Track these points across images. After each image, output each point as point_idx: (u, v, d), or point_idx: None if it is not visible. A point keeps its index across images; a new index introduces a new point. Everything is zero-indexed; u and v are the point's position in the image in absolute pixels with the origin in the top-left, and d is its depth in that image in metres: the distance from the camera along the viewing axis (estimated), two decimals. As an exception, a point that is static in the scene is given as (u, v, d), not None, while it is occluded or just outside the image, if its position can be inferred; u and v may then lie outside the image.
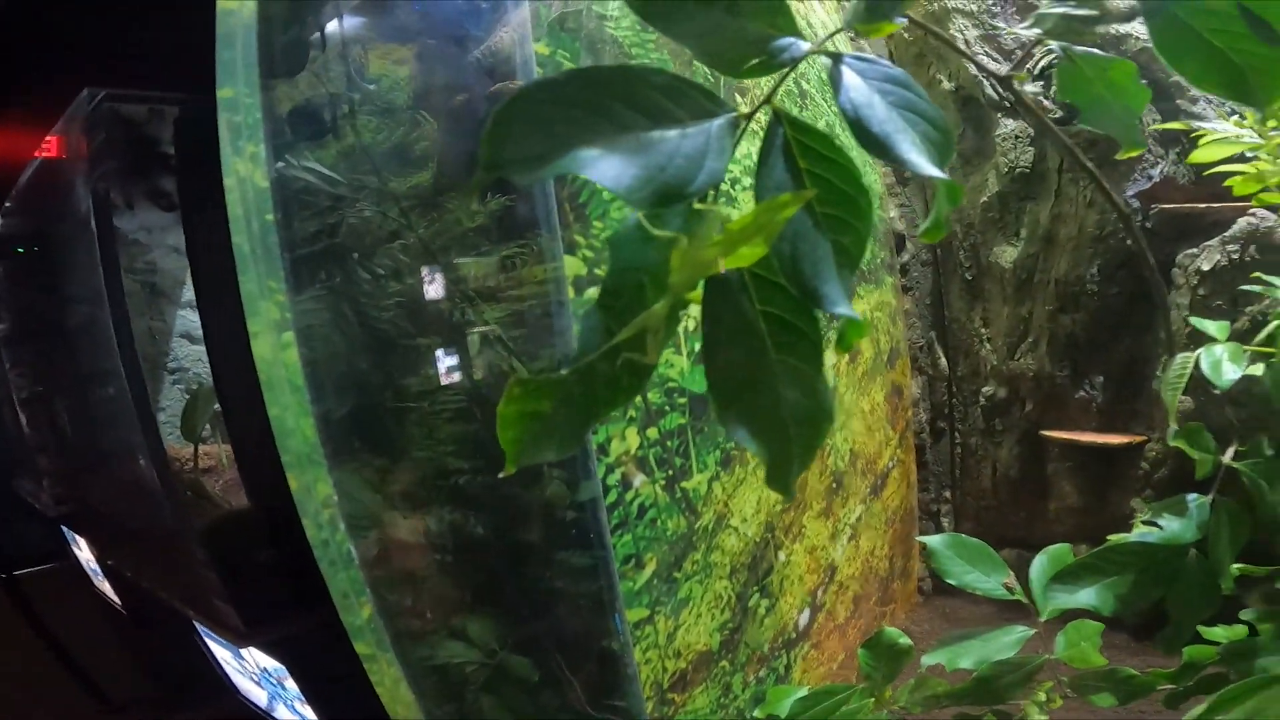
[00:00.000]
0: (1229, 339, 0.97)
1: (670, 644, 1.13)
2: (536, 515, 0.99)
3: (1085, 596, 0.84)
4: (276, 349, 0.75)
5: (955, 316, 2.37)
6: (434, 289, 1.08)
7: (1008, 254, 2.18)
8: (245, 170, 0.78)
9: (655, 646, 1.09)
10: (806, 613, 1.66)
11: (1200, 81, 0.57)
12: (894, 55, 2.40)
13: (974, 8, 2.18)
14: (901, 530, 2.35)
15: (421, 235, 1.06)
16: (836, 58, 0.50)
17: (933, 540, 1.15)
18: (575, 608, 1.03)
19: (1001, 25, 2.16)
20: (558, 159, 0.34)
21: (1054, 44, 0.67)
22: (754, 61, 0.49)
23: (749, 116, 0.47)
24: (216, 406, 2.02)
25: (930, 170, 0.43)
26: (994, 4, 2.17)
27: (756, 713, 1.23)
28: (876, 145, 0.44)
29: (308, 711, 1.47)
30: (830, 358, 1.75)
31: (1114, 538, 0.83)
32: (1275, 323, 0.85)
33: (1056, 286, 2.06)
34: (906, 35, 2.32)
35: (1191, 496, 0.82)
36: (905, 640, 1.14)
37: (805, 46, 0.49)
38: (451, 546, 1.05)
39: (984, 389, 2.28)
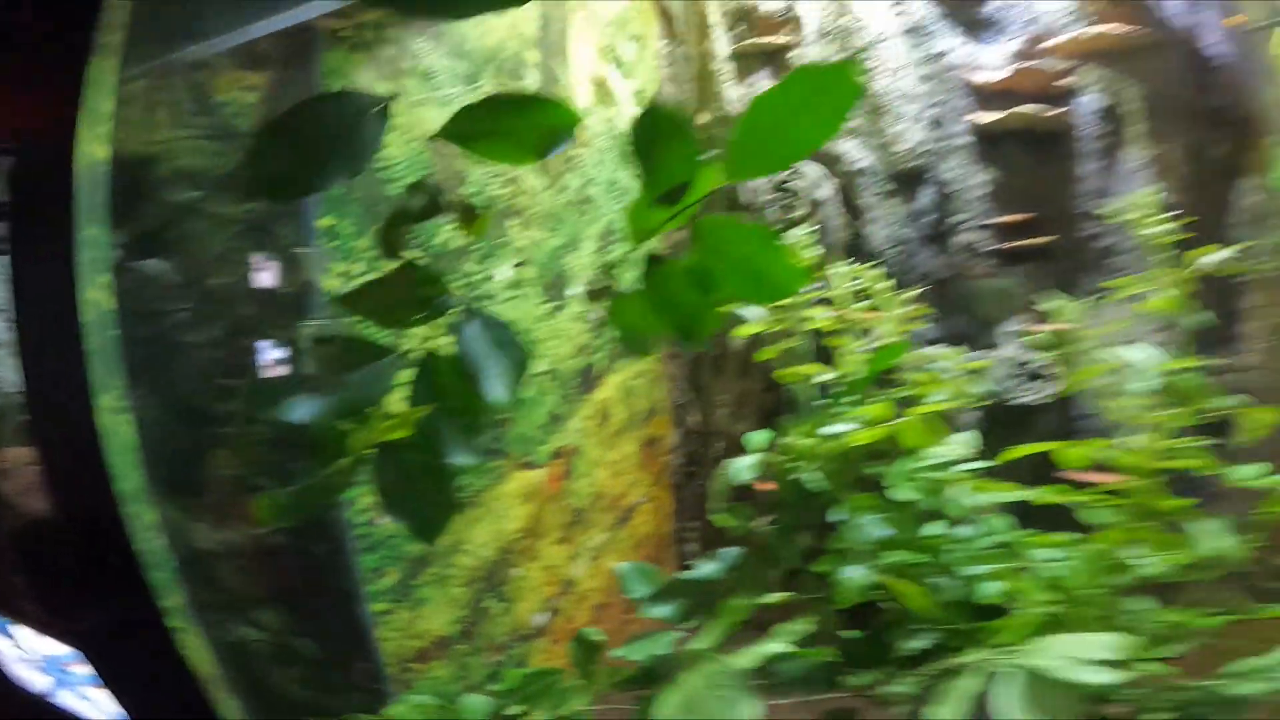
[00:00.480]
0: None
1: (410, 629, 1.54)
2: (306, 536, 1.38)
3: (664, 611, 1.33)
4: (115, 424, 1.08)
5: (705, 383, 2.97)
6: (245, 355, 1.42)
7: (737, 340, 2.80)
8: (98, 296, 1.07)
9: (397, 630, 1.50)
10: (545, 615, 2.11)
11: (667, 330, 0.85)
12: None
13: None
14: (653, 553, 2.89)
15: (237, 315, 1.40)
16: (468, 313, 0.93)
17: (620, 566, 1.61)
18: (335, 601, 1.42)
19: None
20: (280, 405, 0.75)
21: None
22: (419, 315, 0.91)
23: (406, 353, 0.90)
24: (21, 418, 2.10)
25: (496, 396, 0.88)
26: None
27: (493, 687, 1.63)
28: (470, 377, 0.87)
29: (98, 695, 1.63)
30: (579, 422, 2.24)
31: (679, 574, 1.34)
32: (788, 438, 1.41)
33: (760, 369, 2.69)
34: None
35: (731, 550, 1.35)
36: (600, 637, 1.56)
37: (454, 301, 0.93)
38: (245, 554, 1.40)
39: (717, 443, 2.89)
